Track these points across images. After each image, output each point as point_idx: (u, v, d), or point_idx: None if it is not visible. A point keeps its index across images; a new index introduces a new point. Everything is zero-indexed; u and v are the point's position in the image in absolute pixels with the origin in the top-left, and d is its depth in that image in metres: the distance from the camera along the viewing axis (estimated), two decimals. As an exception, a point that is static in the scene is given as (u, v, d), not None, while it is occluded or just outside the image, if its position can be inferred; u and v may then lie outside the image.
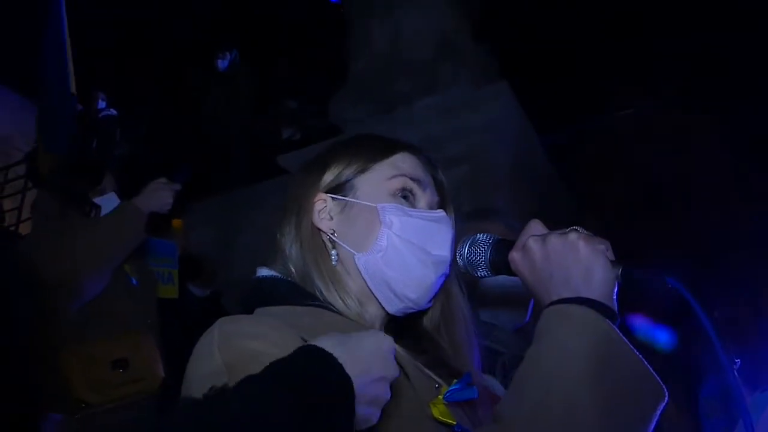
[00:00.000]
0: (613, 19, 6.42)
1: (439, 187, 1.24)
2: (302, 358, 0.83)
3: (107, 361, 2.59)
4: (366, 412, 0.87)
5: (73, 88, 3.65)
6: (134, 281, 2.90)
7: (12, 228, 5.62)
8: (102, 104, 4.06)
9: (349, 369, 0.83)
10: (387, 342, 0.93)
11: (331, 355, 0.83)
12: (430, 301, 1.17)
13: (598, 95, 6.33)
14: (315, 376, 0.80)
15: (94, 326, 2.66)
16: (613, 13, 6.41)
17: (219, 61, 6.99)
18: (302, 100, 7.15)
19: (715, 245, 5.13)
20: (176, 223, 3.64)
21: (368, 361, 0.87)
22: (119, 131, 4.13)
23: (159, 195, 2.85)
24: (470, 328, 1.24)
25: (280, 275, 1.17)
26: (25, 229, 5.13)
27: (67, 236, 2.69)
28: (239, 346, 0.92)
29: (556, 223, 1.09)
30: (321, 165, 1.22)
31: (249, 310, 1.13)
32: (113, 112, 4.17)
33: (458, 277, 1.24)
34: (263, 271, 1.18)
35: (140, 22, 6.96)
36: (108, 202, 2.96)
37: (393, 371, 0.92)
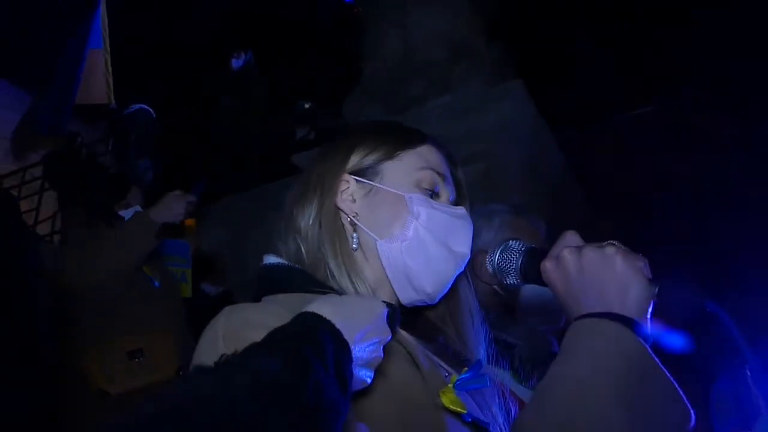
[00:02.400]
0: (629, 17, 6.38)
1: (457, 184, 1.23)
2: (300, 325, 0.85)
3: (123, 352, 2.68)
4: (362, 374, 0.90)
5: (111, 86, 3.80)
6: (156, 283, 2.96)
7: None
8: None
9: (346, 334, 0.85)
10: (380, 306, 0.95)
11: (329, 321, 0.85)
12: (440, 297, 1.17)
13: (612, 94, 6.30)
14: (314, 343, 0.81)
15: (113, 327, 2.76)
16: (628, 10, 6.38)
17: (233, 61, 7.03)
18: (316, 101, 7.17)
19: (729, 246, 5.09)
20: (189, 222, 3.68)
21: (365, 325, 0.89)
22: (156, 123, 4.22)
23: (172, 206, 2.93)
24: (477, 322, 1.23)
25: (287, 262, 1.16)
26: (43, 229, 5.17)
27: (89, 246, 2.82)
28: (243, 337, 0.91)
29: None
30: (348, 146, 1.20)
31: (258, 299, 1.11)
32: (144, 106, 4.26)
33: (467, 272, 1.23)
34: (270, 259, 1.17)
35: (154, 25, 7.00)
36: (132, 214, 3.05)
37: (386, 334, 0.94)
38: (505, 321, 1.76)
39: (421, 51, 4.83)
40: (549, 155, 4.61)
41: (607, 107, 6.47)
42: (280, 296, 1.09)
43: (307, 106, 7.01)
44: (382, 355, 0.94)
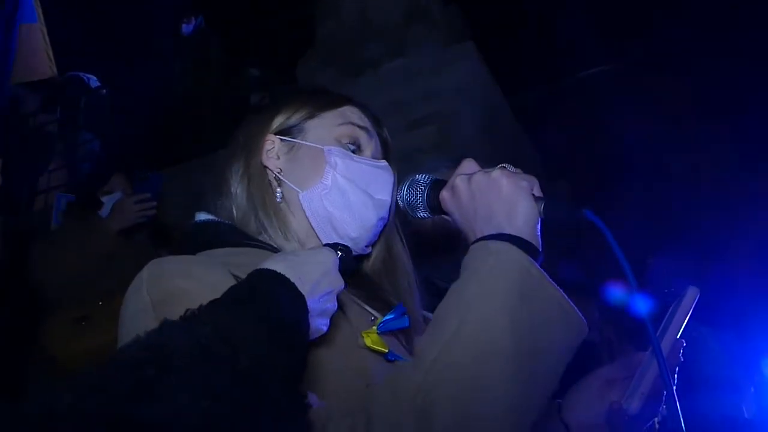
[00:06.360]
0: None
1: (383, 144, 1.28)
2: (258, 280, 0.89)
3: (70, 318, 2.78)
4: (318, 324, 0.95)
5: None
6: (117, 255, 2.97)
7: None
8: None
9: (301, 286, 0.89)
10: (332, 257, 1.00)
11: (283, 275, 0.89)
12: (368, 246, 1.22)
13: (567, 55, 6.32)
14: (272, 296, 0.85)
15: (67, 298, 2.86)
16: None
17: (183, 26, 6.86)
18: (270, 65, 7.06)
19: (683, 206, 5.21)
20: None
21: (316, 277, 0.93)
22: (102, 90, 4.08)
23: (126, 214, 2.98)
24: (411, 278, 1.28)
25: (217, 218, 1.20)
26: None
27: (54, 246, 2.98)
28: (166, 285, 0.95)
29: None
30: (272, 108, 1.26)
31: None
32: (80, 73, 4.12)
33: (398, 228, 1.29)
34: (201, 216, 1.22)
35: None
36: (114, 201, 3.03)
37: (339, 284, 0.98)
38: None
39: (376, 13, 4.79)
40: (503, 117, 4.64)
41: (560, 69, 6.50)
42: (216, 251, 1.13)
43: (257, 74, 6.89)
44: (336, 304, 0.98)
